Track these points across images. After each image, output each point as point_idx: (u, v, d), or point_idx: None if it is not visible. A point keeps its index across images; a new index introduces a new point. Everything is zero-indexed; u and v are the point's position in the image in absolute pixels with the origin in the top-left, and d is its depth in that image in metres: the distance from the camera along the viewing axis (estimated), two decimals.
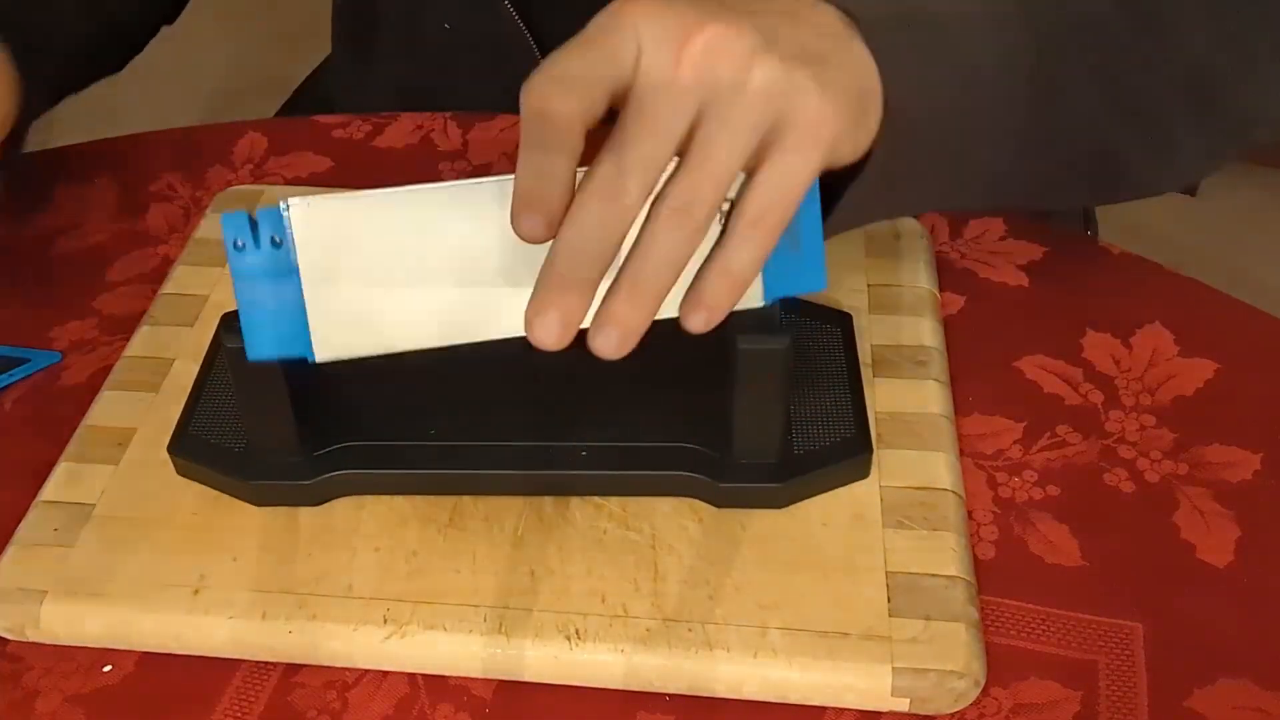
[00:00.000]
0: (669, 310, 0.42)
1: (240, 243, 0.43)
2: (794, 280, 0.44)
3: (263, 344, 0.43)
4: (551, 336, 0.41)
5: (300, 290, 0.43)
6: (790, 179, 0.41)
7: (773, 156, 0.41)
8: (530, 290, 0.41)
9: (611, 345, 0.41)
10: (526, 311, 0.41)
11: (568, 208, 0.41)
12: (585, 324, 0.41)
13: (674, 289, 0.42)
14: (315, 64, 0.95)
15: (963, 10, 0.48)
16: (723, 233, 0.41)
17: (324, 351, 0.43)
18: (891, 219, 0.58)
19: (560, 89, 0.41)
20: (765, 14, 0.43)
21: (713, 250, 0.41)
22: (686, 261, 0.41)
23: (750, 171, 0.41)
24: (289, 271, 0.43)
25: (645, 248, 0.41)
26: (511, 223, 0.41)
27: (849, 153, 0.44)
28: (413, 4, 0.77)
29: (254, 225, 0.43)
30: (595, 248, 0.41)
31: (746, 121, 0.41)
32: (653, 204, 0.41)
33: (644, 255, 0.41)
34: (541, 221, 0.41)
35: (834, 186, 0.47)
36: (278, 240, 0.43)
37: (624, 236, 0.41)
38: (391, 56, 0.81)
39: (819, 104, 0.41)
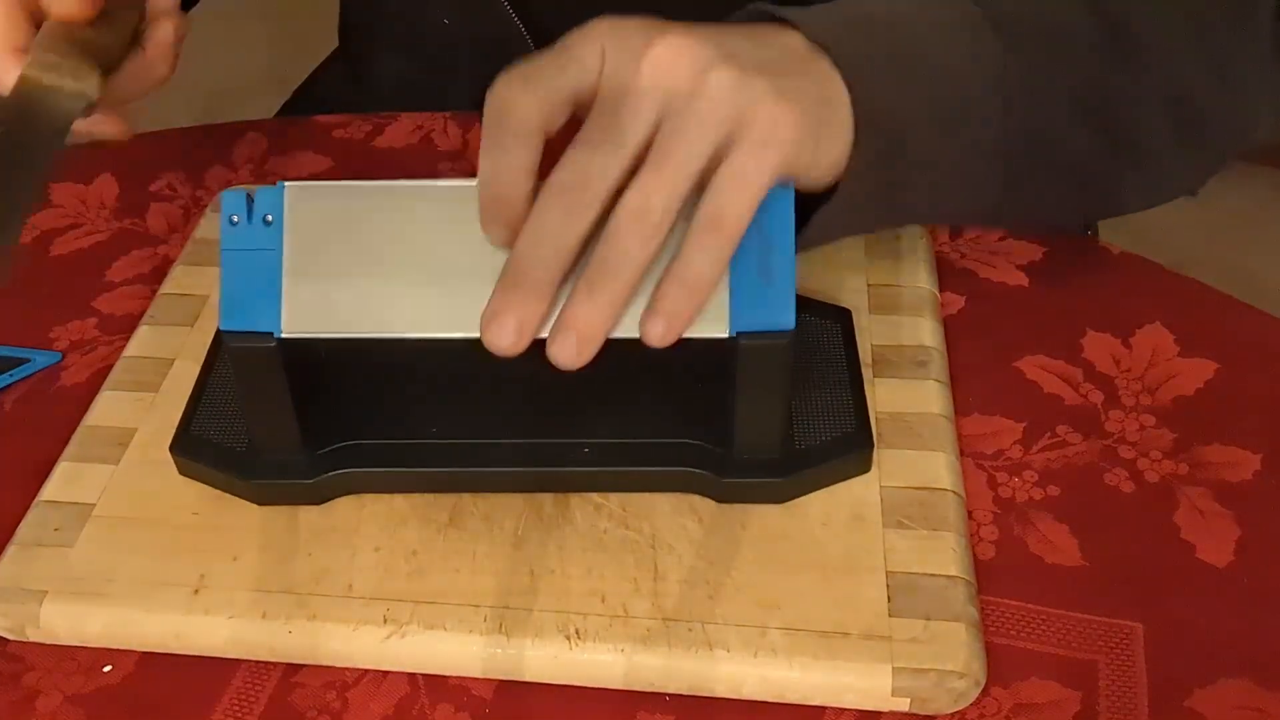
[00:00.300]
0: (634, 329, 0.42)
1: (235, 219, 0.45)
2: (762, 315, 0.44)
3: (236, 316, 0.45)
4: (505, 340, 0.41)
5: (280, 268, 0.45)
6: (744, 181, 0.41)
7: (728, 160, 0.41)
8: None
9: (569, 352, 0.41)
10: (482, 315, 0.42)
11: (527, 211, 0.42)
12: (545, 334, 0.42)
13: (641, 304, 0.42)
14: (315, 64, 0.94)
15: (937, 31, 0.48)
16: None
17: (291, 328, 0.45)
18: (876, 231, 0.58)
19: (522, 90, 0.42)
20: (729, 34, 0.44)
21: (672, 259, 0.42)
22: (643, 266, 0.41)
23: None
24: (274, 249, 0.45)
25: (601, 251, 0.41)
26: (481, 227, 0.43)
27: (811, 163, 0.44)
28: (412, 3, 0.77)
29: (250, 203, 0.45)
30: (550, 250, 0.41)
31: (701, 126, 0.41)
32: (613, 209, 0.41)
33: (599, 259, 0.41)
34: (504, 227, 0.42)
35: (814, 208, 0.47)
36: (270, 219, 0.45)
37: (581, 240, 0.41)
38: (393, 53, 0.81)
39: (773, 108, 0.41)
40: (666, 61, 0.41)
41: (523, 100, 0.42)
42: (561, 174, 0.41)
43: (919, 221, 0.59)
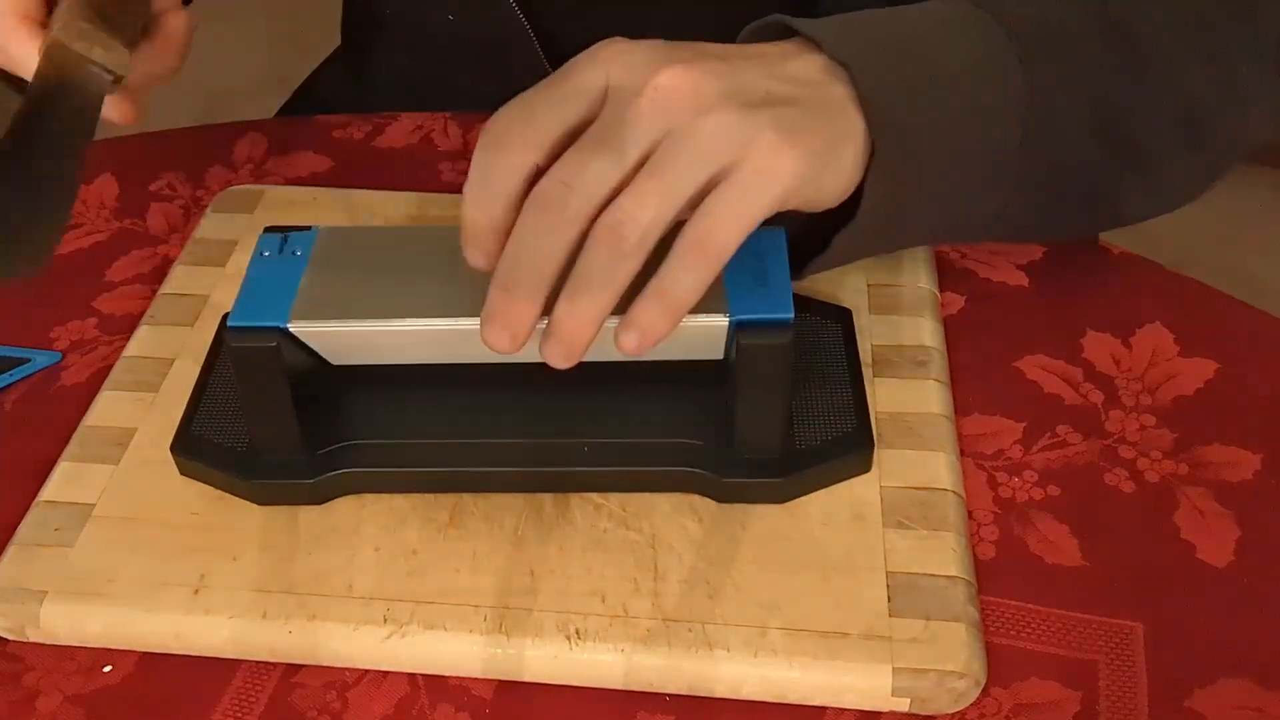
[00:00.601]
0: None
1: (266, 254, 0.49)
2: (760, 307, 0.45)
3: (246, 313, 0.46)
4: (500, 343, 0.42)
5: (299, 279, 0.47)
6: (736, 208, 0.41)
7: (722, 187, 0.41)
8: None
9: (557, 356, 0.42)
10: (481, 315, 0.43)
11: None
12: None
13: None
14: (315, 64, 0.94)
15: (954, 42, 0.47)
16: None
17: (297, 323, 0.46)
18: (884, 254, 0.58)
19: (519, 126, 0.43)
20: (739, 59, 0.44)
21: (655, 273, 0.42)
22: (624, 281, 0.41)
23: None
24: (296, 269, 0.48)
25: (581, 262, 0.41)
26: (463, 251, 0.43)
27: (812, 196, 0.43)
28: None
29: (284, 242, 0.49)
30: (532, 260, 0.41)
31: (699, 155, 0.41)
32: (594, 225, 0.41)
33: (580, 270, 0.41)
34: (482, 255, 0.43)
35: (822, 221, 0.47)
36: (299, 254, 0.48)
37: (566, 250, 0.41)
38: (395, 52, 0.81)
39: (774, 143, 0.41)
40: (670, 93, 0.41)
41: (518, 137, 0.42)
42: (547, 185, 0.41)
43: (930, 241, 0.58)
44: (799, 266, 0.50)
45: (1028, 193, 0.50)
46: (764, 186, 0.41)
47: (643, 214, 0.41)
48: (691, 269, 0.41)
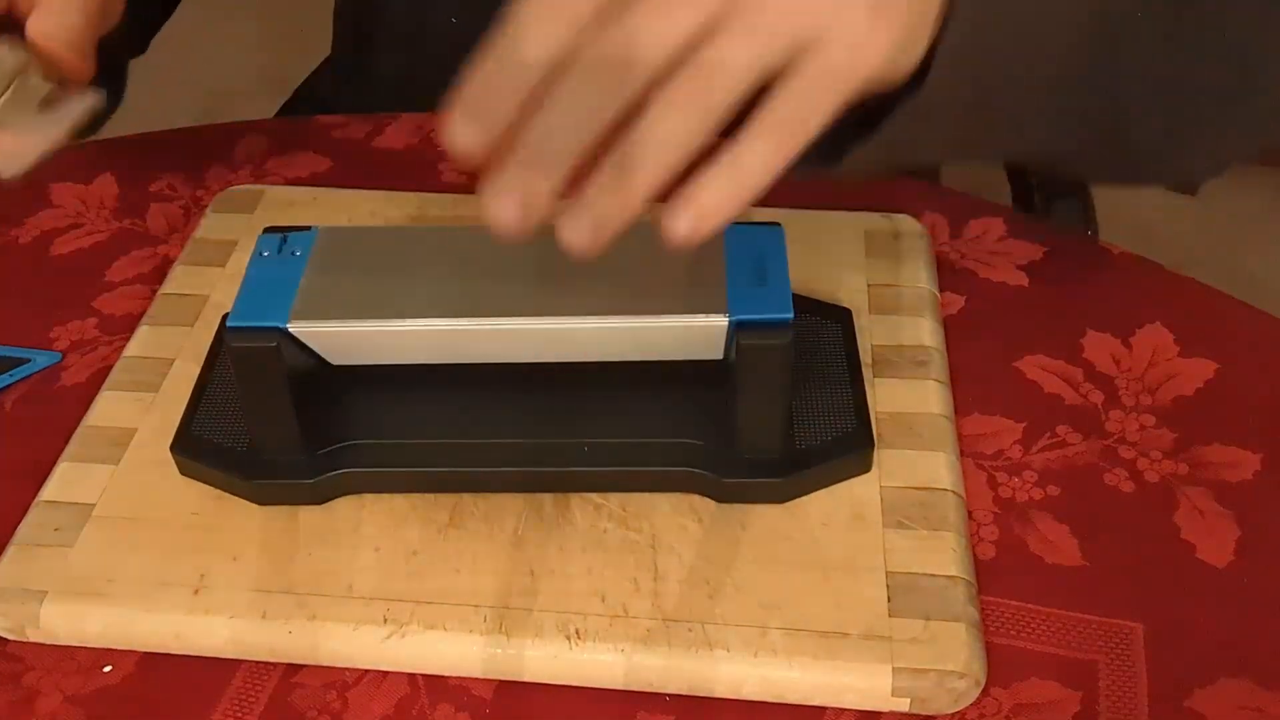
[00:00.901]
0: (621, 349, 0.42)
1: (266, 254, 0.49)
2: (760, 307, 0.45)
3: (246, 314, 0.47)
4: (507, 216, 0.37)
5: (299, 279, 0.48)
6: (820, 91, 0.37)
7: (806, 64, 0.37)
8: (488, 317, 0.42)
9: (583, 234, 0.37)
10: (488, 188, 0.37)
11: (507, 128, 0.37)
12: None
13: None
14: (315, 64, 0.94)
15: None
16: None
17: (297, 323, 0.46)
18: (921, 161, 0.53)
19: None
20: None
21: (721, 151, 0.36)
22: (694, 145, 0.35)
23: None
24: (296, 269, 0.48)
25: (643, 126, 0.36)
26: (445, 132, 0.37)
27: (892, 74, 0.40)
28: (416, 1, 0.77)
29: (284, 241, 0.49)
30: (574, 121, 0.36)
31: (785, 25, 0.36)
32: (662, 83, 0.35)
33: (640, 134, 0.35)
34: (476, 130, 0.37)
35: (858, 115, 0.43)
36: (299, 254, 0.49)
37: (611, 114, 0.36)
38: (394, 54, 0.81)
39: (867, 28, 0.37)
40: None
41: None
42: (605, 41, 0.35)
43: (968, 153, 0.53)
44: (835, 159, 0.44)
45: (1077, 110, 0.48)
46: (854, 67, 0.37)
47: (740, 55, 0.35)
48: (770, 146, 0.36)
